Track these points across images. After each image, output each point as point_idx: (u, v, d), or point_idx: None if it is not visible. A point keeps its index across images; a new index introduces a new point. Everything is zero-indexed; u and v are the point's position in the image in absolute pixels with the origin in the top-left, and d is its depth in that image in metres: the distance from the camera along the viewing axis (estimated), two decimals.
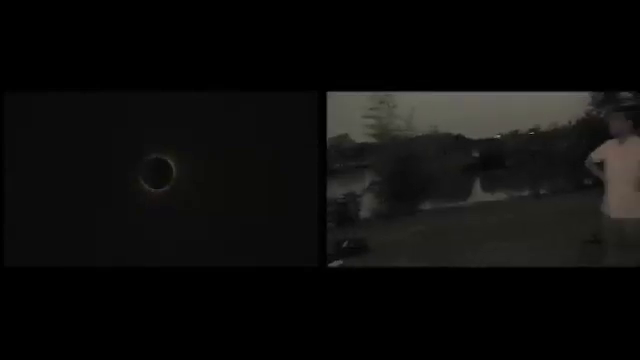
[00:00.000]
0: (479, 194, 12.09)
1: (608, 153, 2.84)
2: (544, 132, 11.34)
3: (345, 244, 4.88)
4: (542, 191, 9.66)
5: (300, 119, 2.08)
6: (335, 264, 4.25)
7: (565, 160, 9.13)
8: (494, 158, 14.91)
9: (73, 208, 2.02)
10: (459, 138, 17.78)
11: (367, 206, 9.31)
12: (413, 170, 9.23)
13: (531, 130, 12.10)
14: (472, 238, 4.81)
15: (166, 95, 2.03)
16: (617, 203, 2.56)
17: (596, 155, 2.89)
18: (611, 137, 2.80)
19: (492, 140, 17.67)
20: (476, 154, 17.40)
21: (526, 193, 9.83)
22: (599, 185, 2.79)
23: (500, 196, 10.29)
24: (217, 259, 2.05)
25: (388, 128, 9.66)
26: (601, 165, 2.83)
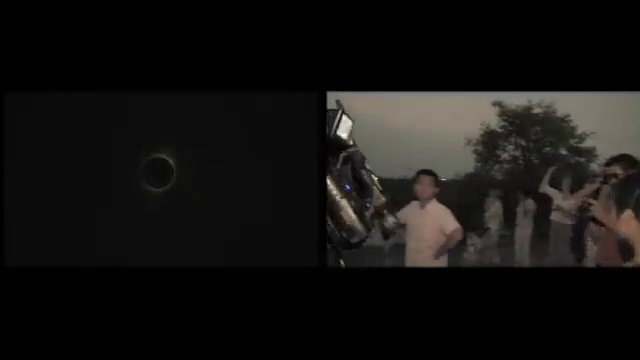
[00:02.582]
0: None
1: (409, 216, 2.84)
2: None
3: None
4: None
5: (300, 119, 2.08)
6: None
7: None
8: None
9: (73, 208, 2.02)
10: None
11: None
12: None
13: None
14: None
15: (166, 95, 2.03)
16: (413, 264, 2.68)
17: (399, 216, 2.92)
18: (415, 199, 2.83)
19: None
20: None
21: None
22: None
23: None
24: (217, 259, 2.04)
25: None
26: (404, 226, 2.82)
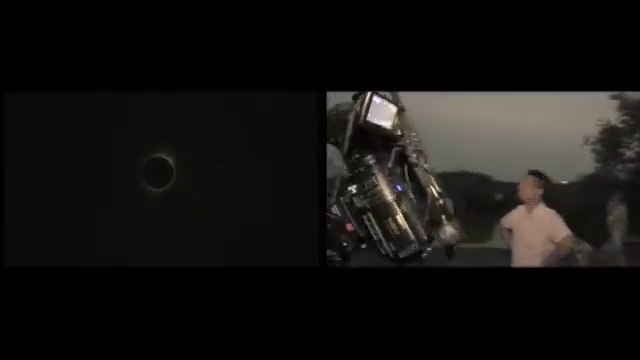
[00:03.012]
0: None
1: (516, 221, 2.70)
2: None
3: None
4: None
5: (300, 119, 2.08)
6: None
7: None
8: None
9: (73, 208, 2.02)
10: None
11: None
12: None
13: None
14: None
15: (166, 95, 2.03)
16: None
17: (505, 222, 2.75)
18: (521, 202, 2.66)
19: None
20: None
21: None
22: None
23: None
24: (217, 259, 2.04)
25: None
26: (511, 231, 2.70)
